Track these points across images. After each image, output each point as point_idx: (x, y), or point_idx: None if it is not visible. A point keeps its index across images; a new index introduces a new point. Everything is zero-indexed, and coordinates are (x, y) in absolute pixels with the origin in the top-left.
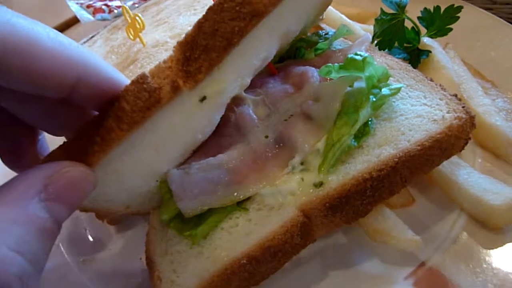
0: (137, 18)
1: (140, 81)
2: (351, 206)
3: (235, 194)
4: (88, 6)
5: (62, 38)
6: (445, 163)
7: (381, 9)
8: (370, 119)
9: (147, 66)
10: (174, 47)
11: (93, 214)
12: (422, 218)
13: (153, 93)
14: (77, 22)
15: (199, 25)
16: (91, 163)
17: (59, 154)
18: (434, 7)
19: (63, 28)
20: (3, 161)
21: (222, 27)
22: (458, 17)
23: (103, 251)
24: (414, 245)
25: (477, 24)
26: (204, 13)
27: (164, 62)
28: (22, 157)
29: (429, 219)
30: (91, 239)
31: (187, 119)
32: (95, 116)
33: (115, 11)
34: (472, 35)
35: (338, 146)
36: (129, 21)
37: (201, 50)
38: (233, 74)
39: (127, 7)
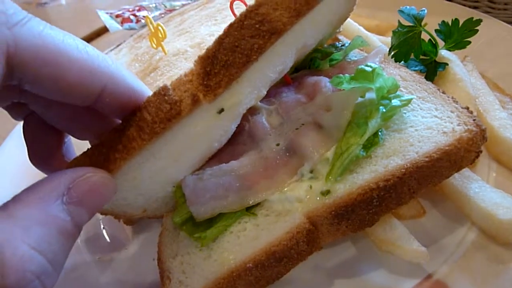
0: (159, 28)
1: (161, 93)
2: (357, 215)
3: (245, 199)
4: (117, 16)
5: (90, 50)
6: (457, 176)
7: (399, 21)
8: (380, 129)
9: (167, 74)
10: (195, 61)
11: None
12: (432, 230)
13: (174, 105)
14: (107, 31)
15: (220, 41)
16: (112, 169)
17: (83, 160)
18: (452, 20)
19: (93, 37)
20: (31, 162)
21: (242, 44)
22: (477, 30)
23: (119, 250)
24: (419, 256)
25: (498, 37)
26: (224, 24)
27: (185, 75)
28: (49, 158)
29: (439, 231)
30: (108, 238)
31: (205, 130)
32: (118, 125)
33: (142, 21)
34: (492, 48)
35: (346, 155)
36: (152, 30)
37: (221, 66)
38: (250, 87)
39: (151, 17)
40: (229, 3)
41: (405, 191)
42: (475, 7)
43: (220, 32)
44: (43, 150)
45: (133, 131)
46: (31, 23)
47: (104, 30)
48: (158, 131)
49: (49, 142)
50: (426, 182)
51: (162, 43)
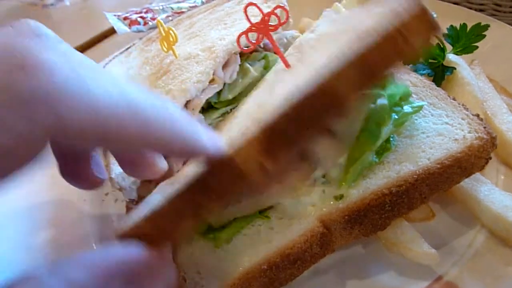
0: (170, 31)
1: (230, 164)
2: (369, 220)
3: (258, 203)
4: (125, 18)
5: (149, 104)
6: (466, 179)
7: None
8: (392, 136)
9: (179, 78)
10: (258, 131)
11: (123, 212)
12: (441, 233)
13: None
14: (114, 33)
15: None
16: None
17: (147, 227)
18: (460, 24)
19: (100, 38)
20: (62, 176)
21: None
22: (485, 35)
23: None
24: (429, 258)
25: (505, 41)
26: (234, 28)
27: (248, 143)
28: (80, 173)
29: (448, 234)
30: None
31: None
32: (183, 191)
33: (150, 23)
34: (499, 52)
35: (360, 161)
36: (163, 34)
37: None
38: None
39: (161, 21)
40: (238, 7)
41: (416, 196)
42: (481, 10)
43: (230, 36)
44: (72, 166)
45: (204, 199)
46: (73, 81)
47: (111, 32)
48: (231, 202)
49: (76, 158)
50: (437, 188)
51: (173, 46)
